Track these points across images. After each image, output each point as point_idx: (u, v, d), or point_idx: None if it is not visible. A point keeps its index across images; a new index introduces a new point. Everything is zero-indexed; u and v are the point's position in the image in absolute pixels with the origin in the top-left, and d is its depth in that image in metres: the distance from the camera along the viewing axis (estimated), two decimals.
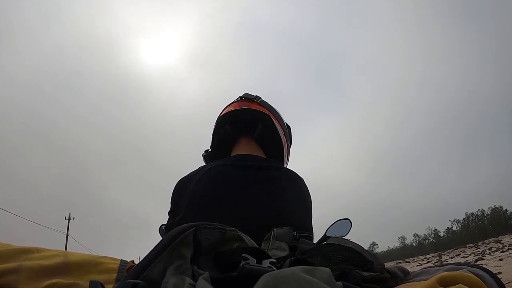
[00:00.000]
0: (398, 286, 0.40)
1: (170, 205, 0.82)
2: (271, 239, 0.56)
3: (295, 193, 0.79)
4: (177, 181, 0.83)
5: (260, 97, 0.96)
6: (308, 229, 0.76)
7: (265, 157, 0.90)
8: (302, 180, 0.85)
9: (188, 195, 0.75)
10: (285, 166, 0.98)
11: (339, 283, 0.34)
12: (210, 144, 0.99)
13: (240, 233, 0.48)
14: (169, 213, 0.82)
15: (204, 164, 0.99)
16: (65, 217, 22.79)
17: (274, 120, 0.93)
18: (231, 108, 0.94)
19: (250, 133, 0.93)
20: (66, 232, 22.11)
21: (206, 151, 1.01)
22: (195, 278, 0.35)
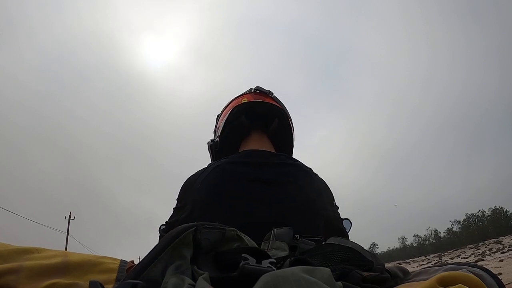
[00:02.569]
0: (398, 286, 0.40)
1: (176, 202, 0.81)
2: (271, 239, 0.56)
3: (304, 191, 0.75)
4: (186, 179, 0.82)
5: (273, 93, 0.94)
6: (314, 229, 0.71)
7: (275, 152, 0.87)
8: (315, 176, 0.82)
9: (195, 193, 0.74)
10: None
11: (339, 283, 0.34)
12: (218, 133, 0.94)
13: (239, 233, 0.48)
14: (174, 209, 0.80)
15: (207, 150, 0.98)
16: (66, 217, 22.81)
17: (288, 118, 0.92)
18: (244, 99, 0.90)
19: (263, 127, 0.90)
20: (66, 231, 22.12)
21: (212, 140, 0.97)
22: (195, 278, 0.35)
